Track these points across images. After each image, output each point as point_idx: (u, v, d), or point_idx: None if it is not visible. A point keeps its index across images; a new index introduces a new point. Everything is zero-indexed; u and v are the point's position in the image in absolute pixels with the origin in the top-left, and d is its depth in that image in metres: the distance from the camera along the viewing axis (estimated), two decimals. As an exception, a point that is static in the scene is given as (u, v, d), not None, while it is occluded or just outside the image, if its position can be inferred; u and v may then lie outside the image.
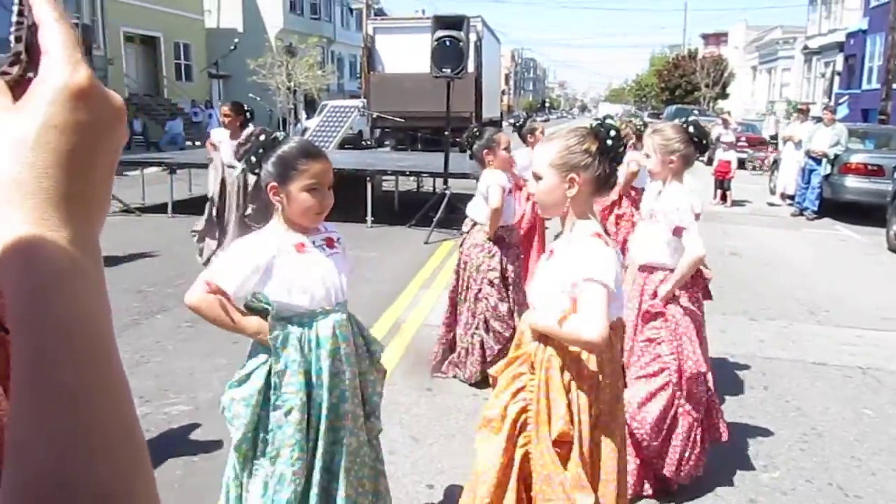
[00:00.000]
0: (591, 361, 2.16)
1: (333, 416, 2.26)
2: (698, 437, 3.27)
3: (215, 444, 3.74)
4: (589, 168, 2.12)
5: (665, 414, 3.17)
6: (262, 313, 2.21)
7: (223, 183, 7.06)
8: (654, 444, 3.17)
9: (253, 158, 2.25)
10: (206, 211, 7.22)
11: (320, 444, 2.24)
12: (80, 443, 0.42)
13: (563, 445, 2.13)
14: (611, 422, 2.25)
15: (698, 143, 3.26)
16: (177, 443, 3.79)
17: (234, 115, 6.88)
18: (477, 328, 4.53)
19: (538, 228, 6.16)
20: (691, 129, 3.25)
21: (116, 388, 0.47)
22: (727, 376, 4.99)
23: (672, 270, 3.19)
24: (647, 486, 3.30)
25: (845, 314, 6.71)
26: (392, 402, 4.25)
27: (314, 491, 2.24)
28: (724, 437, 3.43)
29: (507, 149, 4.60)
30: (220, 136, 7.17)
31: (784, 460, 3.85)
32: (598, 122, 2.17)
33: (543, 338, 2.19)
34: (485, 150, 4.52)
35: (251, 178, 6.86)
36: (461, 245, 4.71)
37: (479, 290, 4.50)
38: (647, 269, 3.32)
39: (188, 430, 3.93)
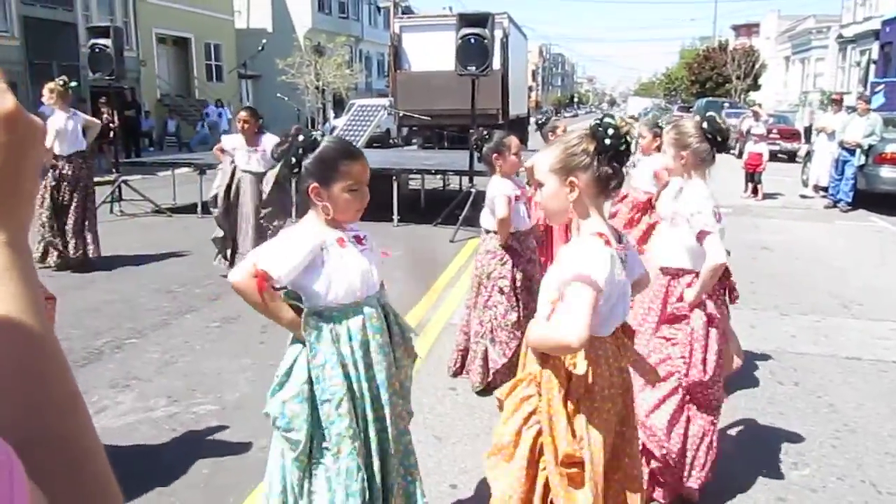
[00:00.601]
0: (600, 378, 2.12)
1: (376, 406, 2.30)
2: (712, 442, 3.18)
3: (242, 445, 3.77)
4: (588, 169, 2.07)
5: (675, 420, 3.09)
6: (295, 309, 2.25)
7: (230, 189, 6.95)
8: (673, 449, 3.09)
9: (293, 159, 2.25)
10: (216, 217, 7.11)
11: (371, 433, 2.28)
12: (33, 400, 0.56)
13: (574, 466, 2.09)
14: (627, 430, 2.22)
15: (713, 140, 3.15)
16: (204, 443, 3.83)
17: (253, 120, 6.85)
18: (482, 337, 4.47)
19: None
20: (705, 125, 3.15)
21: (55, 357, 0.59)
22: (757, 372, 4.91)
23: (697, 273, 3.09)
24: (658, 492, 3.23)
25: (880, 307, 6.56)
26: (415, 401, 4.20)
27: (376, 479, 2.28)
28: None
29: (518, 153, 4.51)
30: (234, 142, 7.06)
31: (815, 457, 3.78)
32: (597, 121, 2.12)
33: (542, 357, 2.15)
34: (494, 154, 4.45)
35: (265, 185, 6.88)
36: (478, 251, 4.68)
37: (489, 297, 4.45)
38: (670, 272, 3.22)
39: (215, 430, 3.97)
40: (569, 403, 2.10)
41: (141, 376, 4.73)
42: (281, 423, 2.23)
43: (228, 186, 6.97)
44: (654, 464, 3.16)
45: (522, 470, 2.15)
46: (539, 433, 2.15)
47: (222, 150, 7.21)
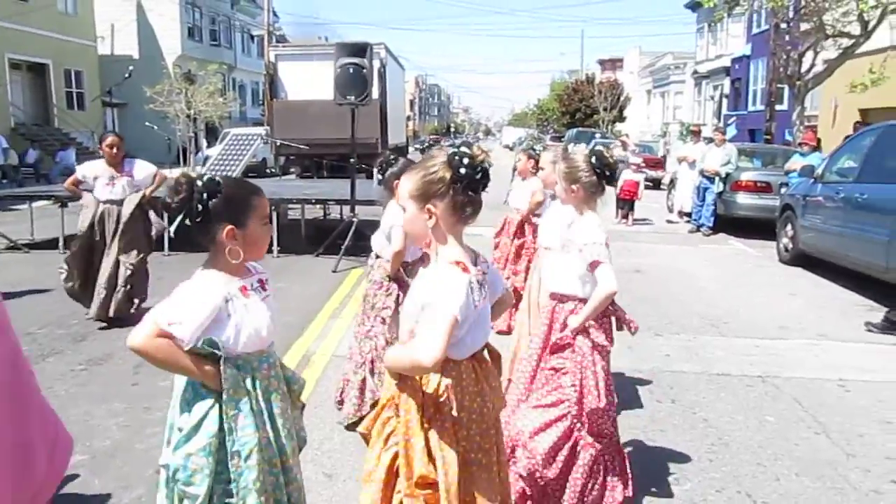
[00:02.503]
0: (450, 399, 2.13)
1: (284, 456, 2.24)
2: (603, 469, 3.18)
3: (116, 496, 3.51)
4: (445, 197, 2.12)
5: (559, 445, 3.07)
6: (208, 358, 2.12)
7: (93, 227, 6.51)
8: (548, 475, 3.06)
9: (199, 206, 2.10)
10: (76, 246, 6.58)
11: (281, 483, 2.22)
12: None
13: (429, 487, 2.10)
14: (483, 456, 2.21)
15: (601, 174, 3.23)
16: (73, 497, 3.52)
17: (122, 144, 6.50)
18: (361, 367, 4.35)
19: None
20: (593, 159, 3.22)
21: None
22: (636, 391, 5.09)
23: (583, 300, 3.14)
24: None
25: (743, 325, 6.99)
26: (303, 438, 4.11)
27: None
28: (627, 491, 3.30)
29: None
30: (94, 170, 6.57)
31: (695, 471, 3.93)
32: (454, 150, 2.16)
33: (400, 378, 2.17)
34: (396, 180, 4.40)
35: (124, 212, 6.51)
36: (367, 279, 4.60)
37: (371, 328, 4.36)
38: (558, 297, 3.26)
39: (85, 482, 3.65)
40: (426, 424, 2.13)
41: (-4, 427, 4.31)
42: (181, 476, 2.09)
43: (92, 224, 6.51)
44: (528, 488, 3.11)
45: (378, 493, 2.18)
46: (396, 456, 2.17)
47: (76, 184, 6.69)
